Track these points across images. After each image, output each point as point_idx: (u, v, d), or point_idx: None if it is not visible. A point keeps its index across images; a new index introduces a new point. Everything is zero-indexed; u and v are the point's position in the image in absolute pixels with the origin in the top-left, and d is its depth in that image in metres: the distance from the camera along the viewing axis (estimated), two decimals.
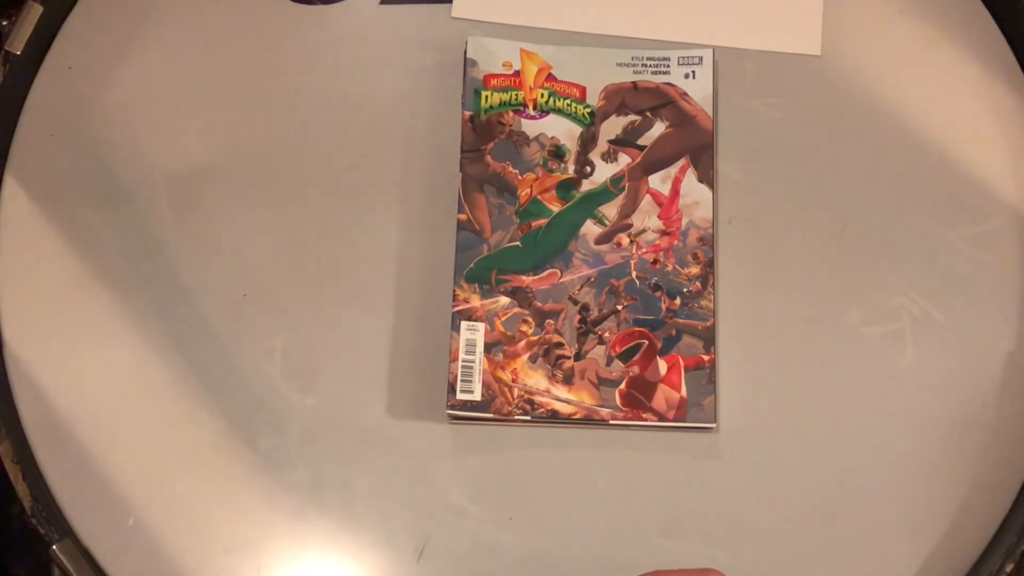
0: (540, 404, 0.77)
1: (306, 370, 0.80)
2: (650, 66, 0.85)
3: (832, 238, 0.82)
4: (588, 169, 0.83)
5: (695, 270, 0.80)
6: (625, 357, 0.79)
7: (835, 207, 0.83)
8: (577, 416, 0.77)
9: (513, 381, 0.78)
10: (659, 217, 0.82)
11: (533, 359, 0.78)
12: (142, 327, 0.80)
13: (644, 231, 0.81)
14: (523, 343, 0.79)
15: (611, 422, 0.77)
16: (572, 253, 0.81)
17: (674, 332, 0.79)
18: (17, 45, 0.84)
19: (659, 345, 0.79)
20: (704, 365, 0.78)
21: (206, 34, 0.87)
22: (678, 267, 0.80)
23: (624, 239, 0.81)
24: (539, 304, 0.80)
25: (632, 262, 0.80)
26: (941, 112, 0.85)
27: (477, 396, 0.77)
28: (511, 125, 0.83)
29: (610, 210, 0.82)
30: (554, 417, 0.77)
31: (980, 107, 0.86)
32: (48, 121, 0.85)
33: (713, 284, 0.80)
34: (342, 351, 0.80)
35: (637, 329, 0.79)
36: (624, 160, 0.83)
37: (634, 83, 0.85)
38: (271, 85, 0.86)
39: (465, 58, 0.85)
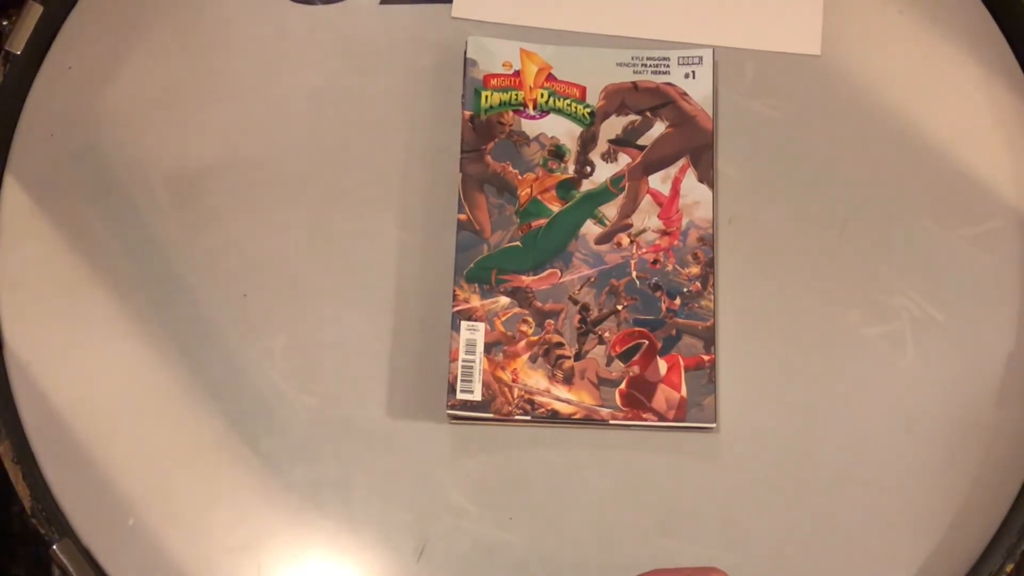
0: (540, 404, 0.77)
1: (306, 370, 0.80)
2: (650, 66, 0.85)
3: (832, 238, 0.82)
4: (588, 169, 0.83)
5: (695, 270, 0.80)
6: (625, 357, 0.79)
7: (835, 207, 0.83)
8: (577, 416, 0.77)
9: (513, 381, 0.78)
10: (659, 217, 0.82)
11: (533, 359, 0.78)
12: (142, 327, 0.80)
13: (644, 231, 0.81)
14: (523, 343, 0.79)
15: (611, 422, 0.77)
16: (572, 253, 0.81)
17: (674, 332, 0.79)
18: (17, 45, 0.84)
19: (659, 345, 0.79)
20: (704, 365, 0.78)
21: (206, 34, 0.87)
22: (678, 267, 0.80)
23: (624, 239, 0.81)
24: (539, 304, 0.80)
25: (632, 262, 0.80)
26: (941, 112, 0.85)
27: (477, 396, 0.77)
28: (511, 125, 0.83)
29: (610, 210, 0.82)
30: (554, 417, 0.77)
31: (980, 107, 0.86)
32: (48, 121, 0.85)
33: (713, 284, 0.80)
34: (342, 351, 0.80)
35: (637, 329, 0.79)
36: (624, 160, 0.83)
37: (634, 83, 0.85)
38: (271, 85, 0.86)
39: (465, 58, 0.85)
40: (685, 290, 0.80)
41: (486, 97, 0.84)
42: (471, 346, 0.78)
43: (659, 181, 0.82)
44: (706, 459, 0.78)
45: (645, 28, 0.87)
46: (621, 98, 0.84)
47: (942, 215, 0.83)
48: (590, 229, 0.81)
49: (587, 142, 0.83)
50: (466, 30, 0.87)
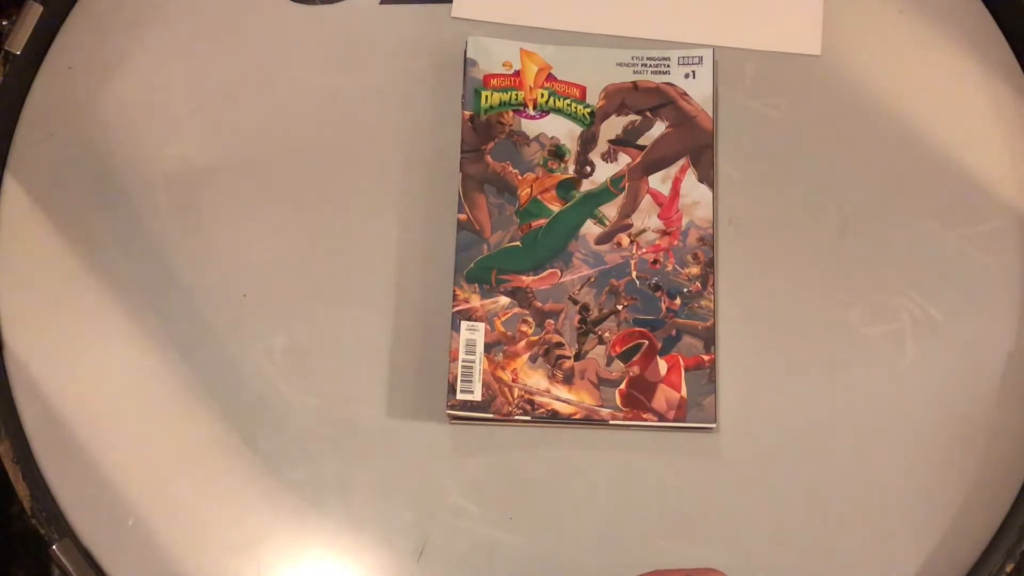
0: (540, 404, 0.77)
1: (306, 370, 0.80)
2: (650, 66, 0.85)
3: (832, 238, 0.82)
4: (588, 169, 0.83)
5: (695, 270, 0.80)
6: (625, 357, 0.79)
7: (835, 207, 0.83)
8: (577, 416, 0.77)
9: (513, 381, 0.78)
10: (659, 217, 0.82)
11: (533, 359, 0.78)
12: (142, 327, 0.80)
13: (644, 231, 0.81)
14: (523, 343, 0.79)
15: (611, 422, 0.77)
16: (572, 253, 0.81)
17: (674, 332, 0.79)
18: (17, 45, 0.84)
19: (659, 345, 0.79)
20: (704, 365, 0.78)
21: (206, 34, 0.87)
22: (678, 267, 0.80)
23: (624, 239, 0.81)
24: (539, 304, 0.80)
25: (632, 262, 0.80)
26: (941, 112, 0.85)
27: (477, 396, 0.77)
28: (511, 125, 0.83)
29: (610, 210, 0.82)
30: (554, 417, 0.77)
31: (980, 107, 0.86)
32: (48, 121, 0.85)
33: (713, 284, 0.80)
34: (342, 351, 0.80)
35: (637, 329, 0.79)
36: (624, 160, 0.83)
37: (634, 83, 0.85)
38: (271, 85, 0.86)
39: (465, 58, 0.85)
40: (685, 290, 0.80)
41: (486, 97, 0.84)
42: (471, 346, 0.78)
43: (659, 181, 0.82)
44: (706, 459, 0.78)
45: (645, 28, 0.87)
46: (621, 98, 0.84)
47: (942, 215, 0.83)
48: (590, 229, 0.81)
49: (587, 142, 0.83)
50: (466, 30, 0.87)
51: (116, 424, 0.79)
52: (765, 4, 0.88)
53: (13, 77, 0.84)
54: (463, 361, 0.78)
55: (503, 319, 0.79)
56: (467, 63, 0.84)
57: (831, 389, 0.79)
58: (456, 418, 0.78)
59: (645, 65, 0.85)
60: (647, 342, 0.79)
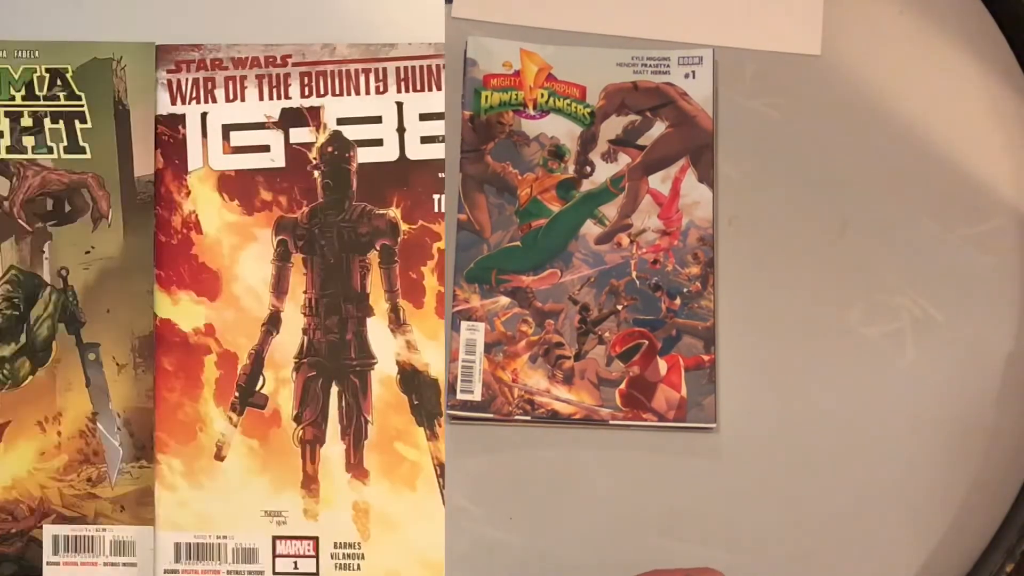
0: (540, 404, 0.77)
1: None
2: (650, 66, 0.85)
3: (832, 238, 0.82)
4: (588, 169, 0.83)
5: (695, 270, 0.80)
6: (625, 357, 0.79)
7: (835, 207, 0.83)
8: (577, 416, 0.77)
9: (513, 381, 0.78)
10: (659, 217, 0.82)
11: (533, 359, 0.78)
12: None
13: (644, 231, 0.81)
14: (523, 343, 0.79)
15: (611, 422, 0.77)
16: (572, 253, 0.81)
17: (674, 332, 0.79)
18: None
19: (659, 345, 0.79)
20: (704, 365, 0.78)
21: None
22: (678, 267, 0.80)
23: (624, 239, 0.81)
24: (539, 304, 0.80)
25: (632, 262, 0.80)
26: (941, 112, 0.85)
27: (477, 396, 0.77)
28: (511, 125, 0.83)
29: (610, 210, 0.82)
30: (554, 417, 0.77)
31: (980, 107, 0.86)
32: None
33: (713, 284, 0.80)
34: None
35: (637, 329, 0.79)
36: (624, 160, 0.83)
37: (634, 83, 0.84)
38: None
39: (465, 58, 0.85)
40: (685, 290, 0.80)
41: (486, 97, 0.84)
42: (471, 346, 0.78)
43: (659, 181, 0.82)
44: (706, 459, 0.78)
45: (645, 28, 0.87)
46: (621, 98, 0.84)
47: (942, 215, 0.83)
48: (590, 229, 0.81)
49: (587, 142, 0.83)
50: (466, 30, 0.86)
51: None
52: (765, 4, 0.88)
53: None
54: (463, 361, 0.78)
55: (503, 319, 0.79)
56: (467, 63, 0.84)
57: (831, 389, 0.79)
58: (456, 418, 0.78)
59: (645, 65, 0.85)
60: (647, 342, 0.79)
